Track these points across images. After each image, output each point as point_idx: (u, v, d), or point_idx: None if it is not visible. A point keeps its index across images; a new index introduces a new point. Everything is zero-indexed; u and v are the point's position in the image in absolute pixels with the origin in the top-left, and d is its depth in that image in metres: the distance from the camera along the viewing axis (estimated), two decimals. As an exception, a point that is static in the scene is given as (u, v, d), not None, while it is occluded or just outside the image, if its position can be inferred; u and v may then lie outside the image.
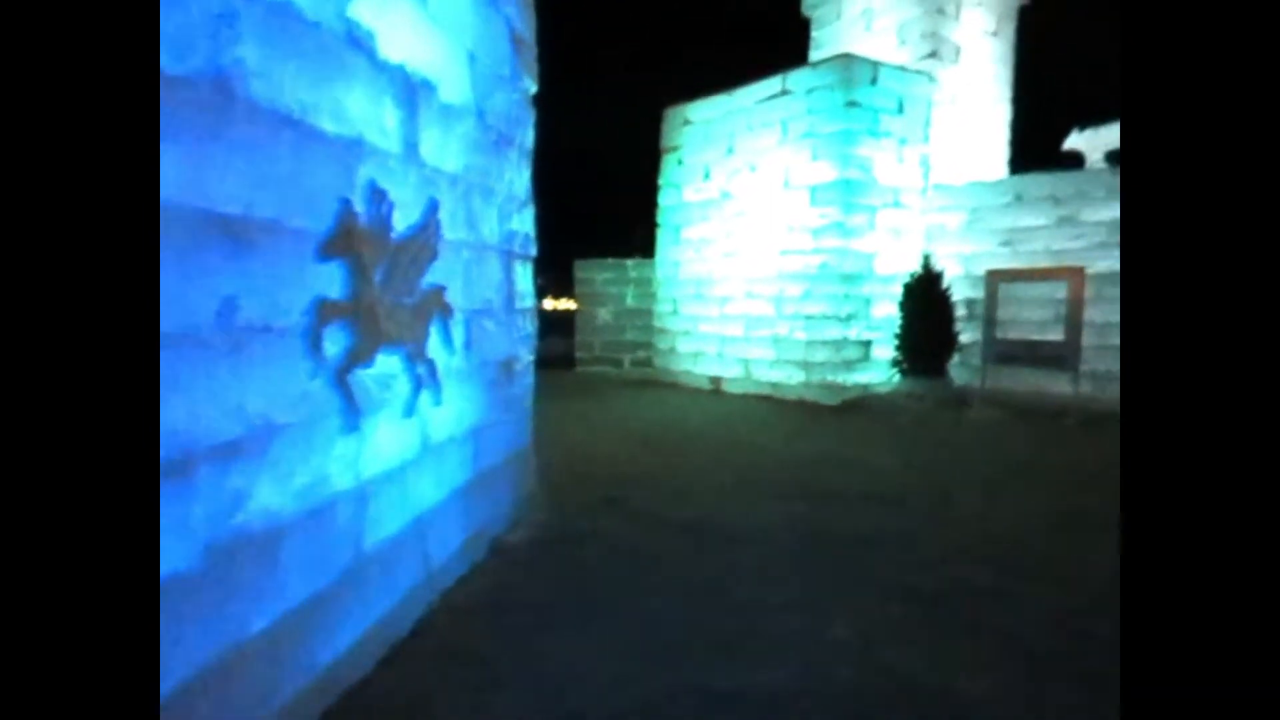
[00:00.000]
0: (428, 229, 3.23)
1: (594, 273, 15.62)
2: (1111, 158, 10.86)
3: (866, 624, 3.45)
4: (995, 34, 13.30)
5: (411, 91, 3.15)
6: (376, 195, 2.82)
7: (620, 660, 3.07)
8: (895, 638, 3.32)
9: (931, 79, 11.95)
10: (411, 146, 3.16)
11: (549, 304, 34.21)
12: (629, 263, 15.36)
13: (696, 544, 4.55)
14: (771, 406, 10.90)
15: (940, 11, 12.25)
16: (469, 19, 3.79)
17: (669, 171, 13.78)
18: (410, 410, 3.16)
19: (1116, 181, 10.37)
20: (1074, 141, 11.23)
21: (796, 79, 11.57)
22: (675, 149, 13.63)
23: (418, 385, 3.20)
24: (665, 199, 13.87)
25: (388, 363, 2.95)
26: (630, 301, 15.28)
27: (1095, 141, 11.02)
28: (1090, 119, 11.15)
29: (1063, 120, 11.64)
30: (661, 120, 13.82)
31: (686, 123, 13.40)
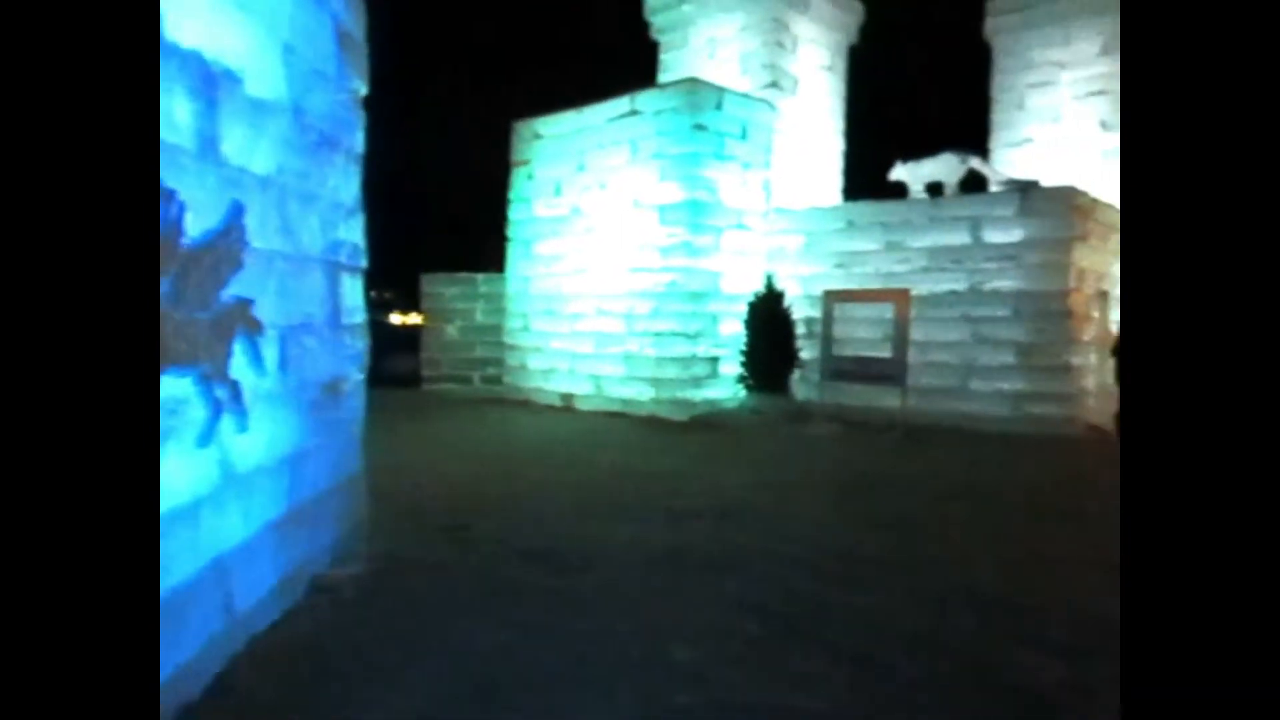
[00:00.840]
0: (229, 235, 2.88)
1: (442, 287, 15.08)
2: (930, 189, 11.83)
3: (712, 646, 3.41)
4: (829, 69, 14.17)
5: (210, 82, 2.81)
6: (163, 195, 2.47)
7: (440, 709, 2.84)
8: (739, 658, 3.30)
9: (773, 107, 12.52)
10: (209, 142, 2.81)
11: (396, 319, 32.78)
12: (479, 277, 14.96)
13: (543, 572, 4.37)
14: (623, 423, 10.90)
15: (780, 45, 12.91)
16: (285, 8, 3.46)
17: (519, 185, 13.58)
18: (206, 439, 2.79)
19: (936, 211, 11.28)
20: (897, 173, 12.13)
21: (645, 100, 11.75)
22: (526, 163, 13.45)
23: (216, 410, 2.84)
24: (516, 213, 13.65)
25: (176, 385, 2.59)
26: (480, 317, 14.87)
27: (917, 173, 11.96)
28: (911, 153, 12.10)
29: (888, 152, 12.55)
30: (511, 134, 13.62)
31: (537, 137, 13.27)
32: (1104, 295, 11.67)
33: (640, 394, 11.60)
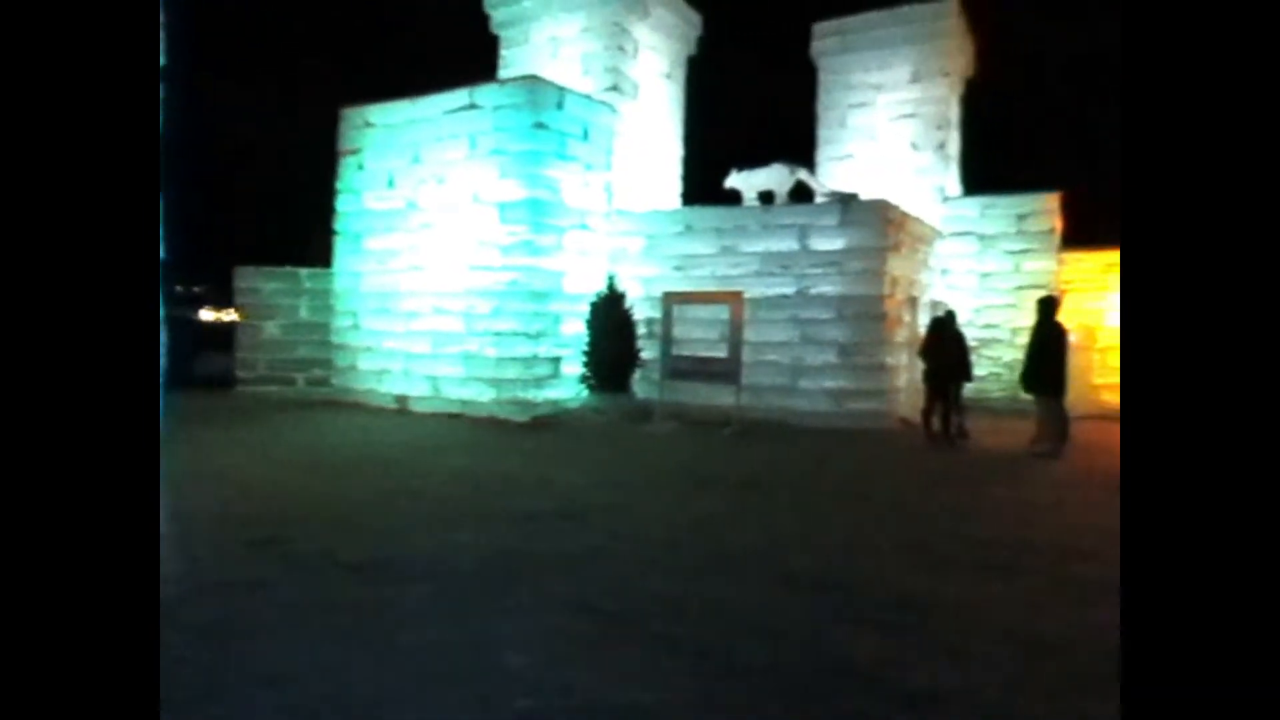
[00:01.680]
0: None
1: (260, 281, 13.92)
2: (763, 197, 12.42)
3: (548, 649, 3.33)
4: (669, 77, 14.52)
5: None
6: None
7: (259, 736, 2.57)
8: (575, 659, 3.25)
9: (614, 110, 12.64)
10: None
11: (209, 316, 30.01)
12: (303, 272, 13.94)
13: (371, 585, 4.10)
14: (462, 425, 10.57)
15: (621, 49, 13.05)
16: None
17: (349, 176, 12.81)
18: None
19: (768, 219, 11.85)
20: (732, 181, 12.64)
21: (485, 94, 11.47)
22: (356, 152, 12.72)
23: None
24: (345, 205, 12.87)
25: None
26: (304, 314, 13.87)
27: (750, 182, 12.52)
28: (745, 162, 12.67)
29: (724, 161, 13.06)
30: (340, 121, 12.83)
31: (368, 125, 12.59)
32: (913, 301, 12.77)
33: (480, 395, 11.30)
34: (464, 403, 11.37)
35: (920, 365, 10.26)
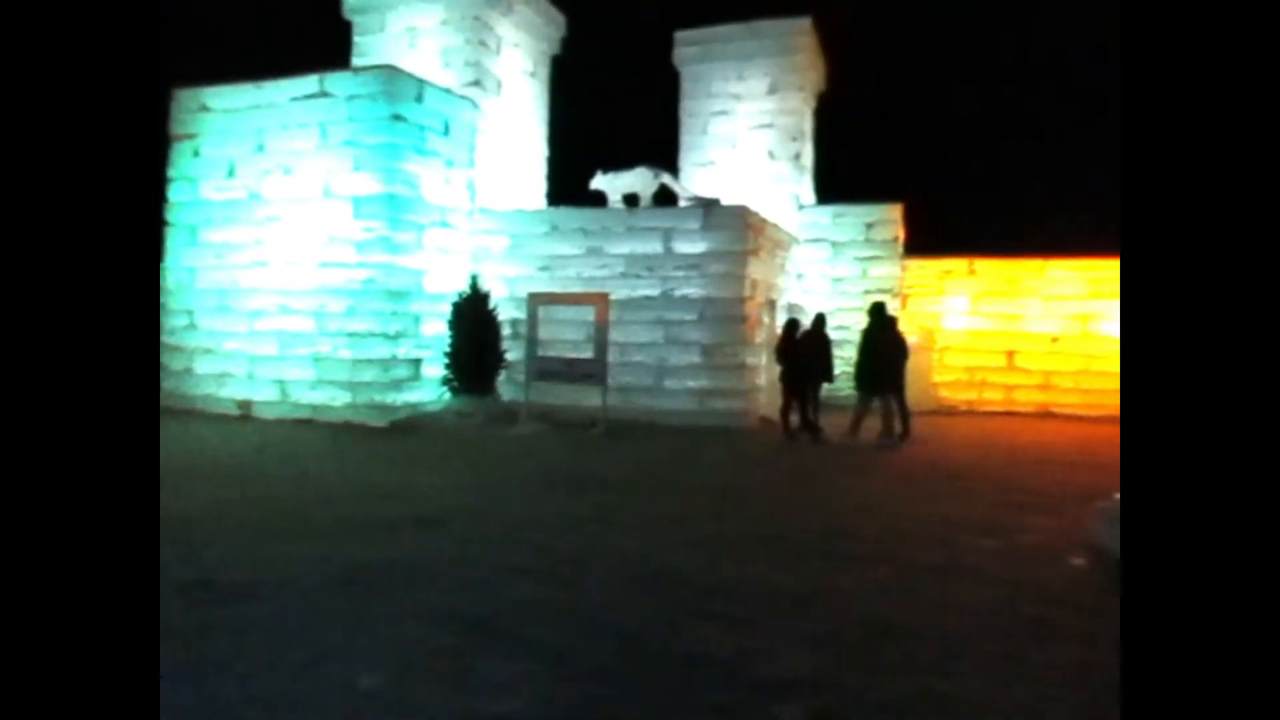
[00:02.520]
0: None
1: (78, 278, 12.47)
2: (627, 200, 12.52)
3: (402, 664, 3.15)
4: (533, 75, 14.34)
5: None
6: None
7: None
8: (431, 673, 3.09)
9: (476, 106, 12.33)
10: None
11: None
12: (129, 268, 12.64)
13: (199, 607, 3.73)
14: (313, 431, 9.93)
15: (483, 44, 12.75)
16: None
17: (183, 163, 11.75)
18: None
19: (632, 221, 11.94)
20: (598, 183, 12.66)
21: (337, 82, 10.87)
22: (191, 137, 11.69)
23: None
24: (178, 194, 11.79)
25: None
26: (131, 315, 12.57)
27: (615, 184, 12.58)
28: (610, 165, 12.71)
29: (589, 163, 13.05)
30: (171, 102, 11.75)
31: (204, 109, 11.61)
32: (771, 303, 13.28)
33: (334, 399, 10.67)
34: (316, 408, 10.70)
35: (779, 365, 10.69)
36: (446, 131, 11.59)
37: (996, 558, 5.04)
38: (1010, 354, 14.76)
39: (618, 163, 12.64)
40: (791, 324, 10.85)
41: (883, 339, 9.96)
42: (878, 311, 10.17)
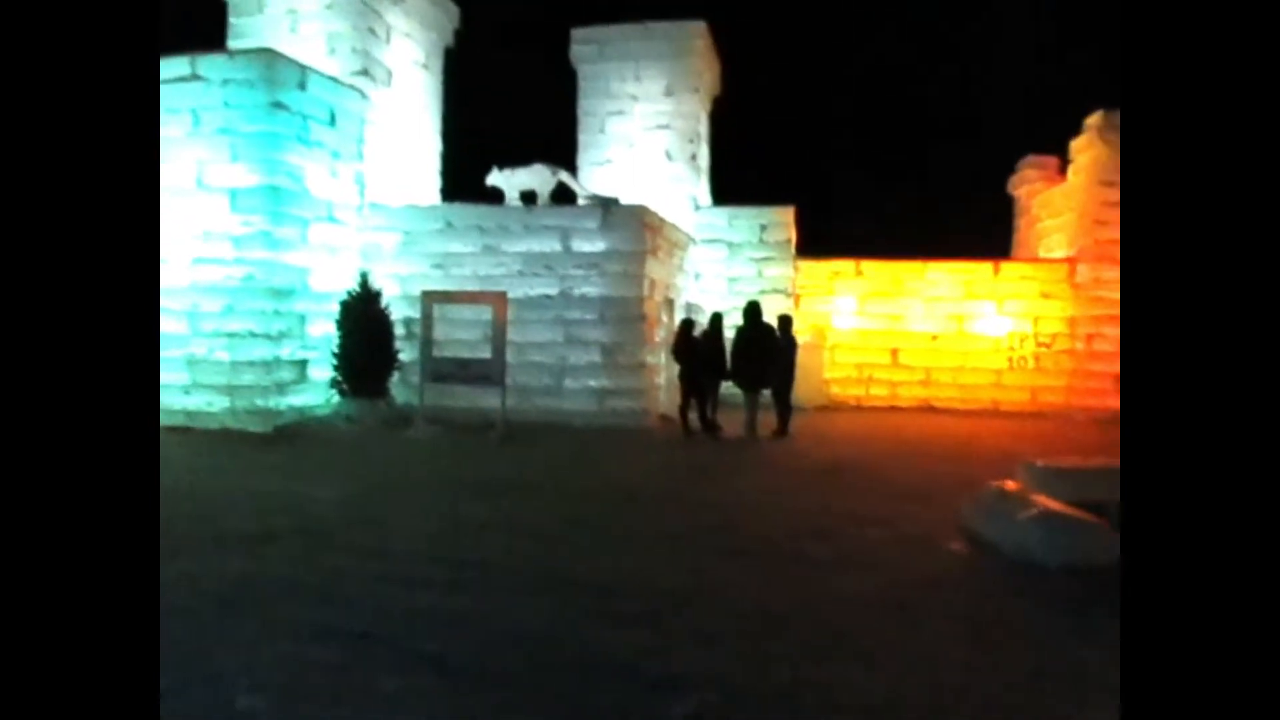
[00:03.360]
0: None
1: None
2: (524, 197, 12.35)
3: (286, 683, 2.98)
4: (426, 67, 13.94)
5: None
6: None
7: None
8: (318, 691, 2.93)
9: (364, 96, 11.86)
10: None
11: None
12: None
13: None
14: (187, 439, 9.27)
15: (371, 31, 12.28)
16: None
17: (34, 149, 10.73)
18: None
19: (530, 219, 11.79)
20: (494, 179, 12.43)
21: (211, 65, 10.20)
22: (43, 121, 10.68)
23: None
24: (28, 183, 10.75)
25: None
26: (-27, 314, 11.40)
27: (511, 181, 12.40)
28: (507, 161, 12.52)
29: (486, 159, 12.80)
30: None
31: (60, 91, 10.63)
32: (670, 303, 13.42)
33: (210, 404, 10.02)
34: (190, 414, 10.01)
35: (678, 364, 10.82)
36: (332, 122, 11.09)
37: (880, 548, 5.26)
38: (894, 352, 15.50)
39: (514, 160, 12.46)
40: (686, 323, 11.00)
41: (753, 338, 10.24)
42: (751, 311, 10.46)
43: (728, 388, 10.81)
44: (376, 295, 11.05)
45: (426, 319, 10.51)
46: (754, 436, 10.18)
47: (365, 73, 12.04)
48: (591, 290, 11.49)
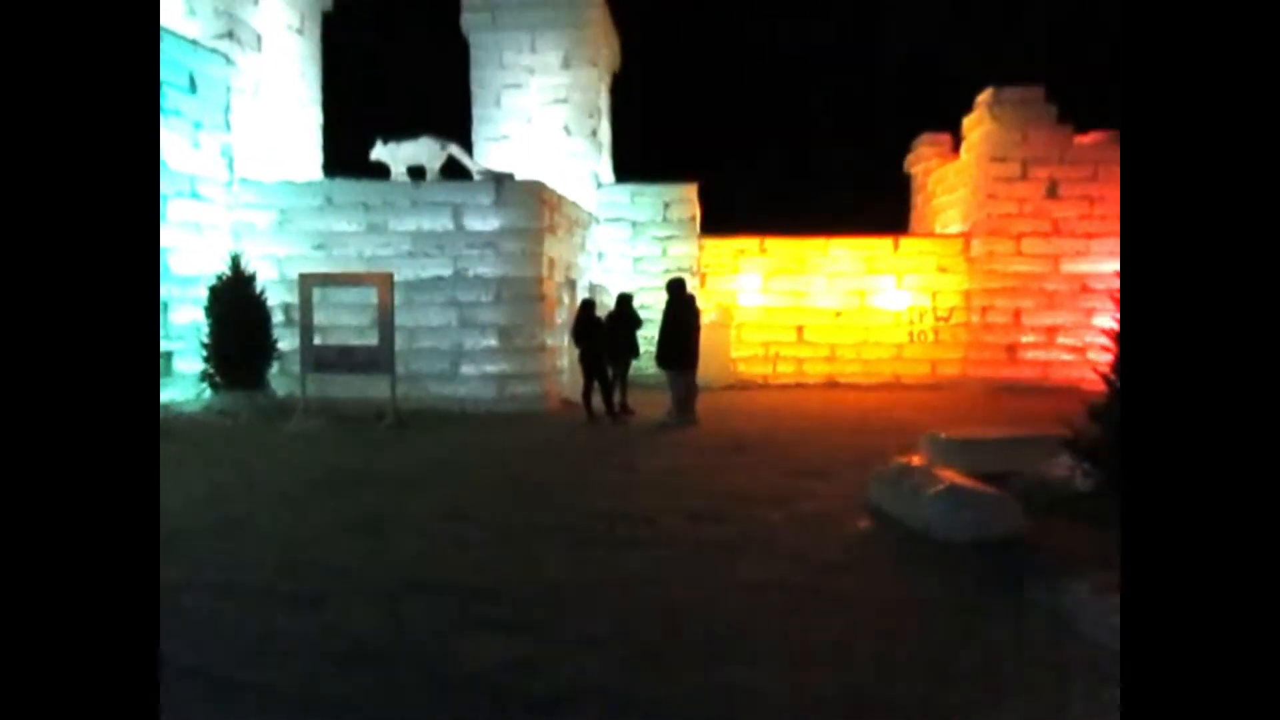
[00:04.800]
0: None
1: None
2: (412, 172, 11.59)
3: None
4: (301, 32, 12.90)
5: None
6: None
7: None
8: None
9: (230, 61, 10.82)
10: None
11: None
12: None
13: None
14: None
15: (236, -10, 11.18)
16: None
17: None
18: None
19: (418, 195, 11.07)
20: (378, 153, 11.60)
21: (42, 22, 9.01)
22: None
23: None
24: None
25: None
26: None
27: (397, 155, 11.58)
28: (393, 133, 11.70)
29: (373, 132, 11.95)
30: None
31: None
32: (571, 283, 12.96)
33: (55, 404, 8.93)
34: (31, 415, 8.90)
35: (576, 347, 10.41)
36: (192, 89, 10.06)
37: (783, 529, 5.04)
38: (800, 329, 15.54)
39: (400, 131, 11.65)
40: (587, 304, 10.59)
41: (683, 313, 9.97)
42: (677, 288, 10.15)
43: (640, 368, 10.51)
44: (250, 279, 10.14)
45: (305, 303, 9.70)
46: (692, 418, 9.84)
47: (230, 35, 10.98)
48: (487, 270, 10.90)
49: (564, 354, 11.95)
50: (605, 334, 10.11)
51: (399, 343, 9.98)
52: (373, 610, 3.59)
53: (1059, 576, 3.79)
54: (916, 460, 5.97)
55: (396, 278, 10.07)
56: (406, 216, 10.93)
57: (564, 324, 12.02)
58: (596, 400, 10.09)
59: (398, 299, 10.00)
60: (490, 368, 10.92)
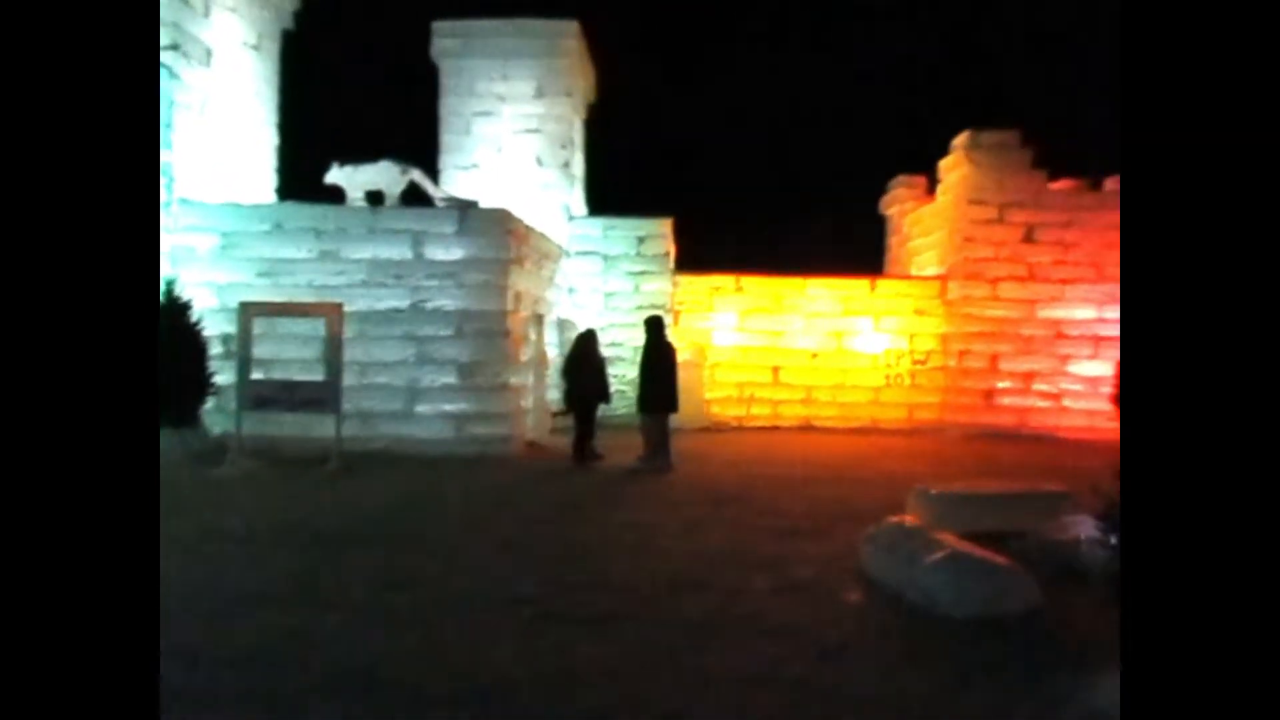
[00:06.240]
0: None
1: None
2: (370, 198, 10.96)
3: None
4: (258, 48, 12.29)
5: None
6: None
7: None
8: None
9: (173, 75, 10.15)
10: None
11: None
12: None
13: None
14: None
15: (184, 2, 10.54)
16: None
17: None
18: None
19: (375, 222, 10.42)
20: (334, 176, 10.98)
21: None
22: None
23: None
24: None
25: None
26: None
27: (355, 179, 10.96)
28: (350, 157, 11.09)
29: (333, 156, 11.33)
30: None
31: None
32: (539, 318, 12.34)
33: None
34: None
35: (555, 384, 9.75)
36: (133, 103, 9.35)
37: (768, 600, 4.41)
38: (775, 370, 15.05)
39: (358, 155, 11.04)
40: (585, 337, 10.03)
41: (663, 354, 9.39)
42: (656, 326, 9.55)
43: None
44: (186, 307, 9.36)
45: (244, 334, 8.93)
46: (667, 465, 9.20)
47: (175, 48, 10.31)
48: (448, 303, 10.23)
49: (529, 393, 11.27)
50: (572, 374, 9.51)
51: (349, 379, 9.25)
52: (282, 710, 2.86)
53: (1085, 666, 3.27)
54: (910, 519, 5.42)
55: (349, 308, 9.37)
56: (362, 244, 10.25)
57: (530, 361, 11.36)
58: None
59: (350, 331, 9.30)
60: (449, 407, 10.18)
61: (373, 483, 8.05)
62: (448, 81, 15.12)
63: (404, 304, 10.20)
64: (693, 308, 15.21)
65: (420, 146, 14.71)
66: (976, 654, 3.61)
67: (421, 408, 10.19)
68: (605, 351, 11.42)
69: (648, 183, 20.99)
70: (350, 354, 9.32)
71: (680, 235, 15.33)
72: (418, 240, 10.29)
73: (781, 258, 15.86)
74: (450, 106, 15.14)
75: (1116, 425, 12.98)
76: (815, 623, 4.04)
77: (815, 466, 9.96)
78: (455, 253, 10.29)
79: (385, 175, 10.82)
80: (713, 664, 3.46)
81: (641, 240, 15.02)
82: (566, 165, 15.15)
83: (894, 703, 3.11)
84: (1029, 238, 14.35)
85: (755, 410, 14.94)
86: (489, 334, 10.30)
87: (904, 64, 26.02)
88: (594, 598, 4.38)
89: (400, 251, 10.24)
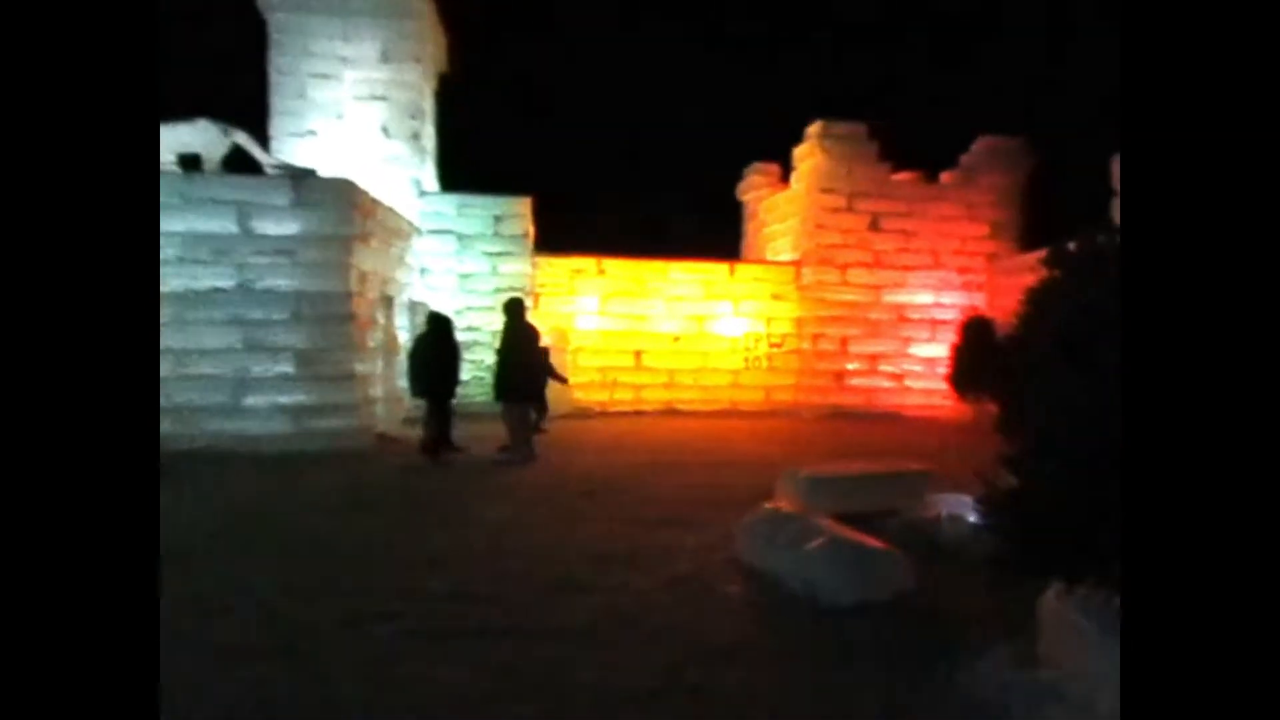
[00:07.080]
0: None
1: None
2: (186, 162, 9.62)
3: None
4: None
5: None
6: None
7: None
8: None
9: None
10: None
11: None
12: None
13: None
14: None
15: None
16: None
17: None
18: None
19: (192, 190, 9.17)
20: (143, 136, 9.57)
21: None
22: None
23: None
24: None
25: None
26: None
27: (168, 140, 9.60)
28: (160, 114, 9.69)
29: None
30: None
31: None
32: (388, 300, 11.44)
33: None
34: None
35: (402, 371, 8.98)
36: None
37: (652, 599, 4.11)
38: (638, 354, 14.90)
39: (165, 114, 9.68)
40: (436, 319, 9.21)
41: (524, 338, 8.84)
42: (517, 309, 8.98)
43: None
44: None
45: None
46: (531, 455, 8.68)
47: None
48: (282, 283, 9.20)
49: (379, 382, 10.41)
50: (421, 361, 8.79)
51: (162, 368, 8.09)
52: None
53: (969, 649, 3.23)
54: (784, 505, 5.33)
55: (161, 288, 8.17)
56: (175, 215, 8.98)
57: (378, 347, 10.49)
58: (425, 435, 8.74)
59: (163, 316, 8.11)
60: (284, 399, 9.18)
61: (191, 487, 7.03)
62: (279, 38, 13.67)
63: (228, 284, 9.07)
64: (554, 290, 14.74)
65: (248, 109, 13.24)
66: (870, 641, 3.51)
67: (252, 400, 9.12)
68: (464, 335, 10.72)
69: (505, 161, 20.19)
70: (164, 341, 8.14)
71: (540, 216, 14.78)
72: (244, 212, 9.16)
73: (643, 240, 15.71)
74: (281, 66, 13.70)
75: (951, 403, 13.94)
76: (702, 622, 3.79)
77: (682, 451, 9.85)
78: (290, 227, 9.25)
79: (203, 136, 9.56)
80: (602, 679, 3.10)
81: (499, 219, 14.34)
82: (416, 137, 14.16)
83: (807, 703, 2.90)
84: (875, 226, 15.00)
85: (618, 395, 14.74)
86: (331, 318, 9.37)
87: (765, 48, 26.63)
88: (462, 609, 3.91)
89: (223, 224, 9.08)
